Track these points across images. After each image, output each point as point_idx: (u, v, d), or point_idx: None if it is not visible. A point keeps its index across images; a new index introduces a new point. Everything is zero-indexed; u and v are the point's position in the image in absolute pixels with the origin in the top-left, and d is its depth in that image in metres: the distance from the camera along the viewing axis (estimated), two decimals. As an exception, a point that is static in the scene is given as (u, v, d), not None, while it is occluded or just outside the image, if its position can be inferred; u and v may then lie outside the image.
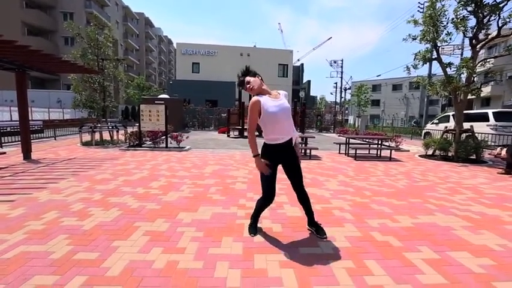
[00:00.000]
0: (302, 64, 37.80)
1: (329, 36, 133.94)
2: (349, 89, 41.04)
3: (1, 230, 2.67)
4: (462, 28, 7.84)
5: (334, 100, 43.03)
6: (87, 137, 10.05)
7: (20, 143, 9.02)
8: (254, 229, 2.71)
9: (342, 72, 37.59)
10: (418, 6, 21.58)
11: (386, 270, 2.10)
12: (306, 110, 15.69)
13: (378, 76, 31.67)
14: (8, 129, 10.37)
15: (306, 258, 2.25)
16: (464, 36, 8.24)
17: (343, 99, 38.17)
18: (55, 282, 1.87)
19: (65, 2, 31.42)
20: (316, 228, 2.68)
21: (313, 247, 2.45)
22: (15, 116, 16.27)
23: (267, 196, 2.51)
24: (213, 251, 2.32)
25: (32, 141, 7.10)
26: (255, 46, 32.28)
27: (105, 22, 11.27)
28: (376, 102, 42.75)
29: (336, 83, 38.95)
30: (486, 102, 25.21)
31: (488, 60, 8.48)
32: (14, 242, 2.42)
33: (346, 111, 41.98)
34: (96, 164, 6.12)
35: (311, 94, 39.97)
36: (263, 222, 2.99)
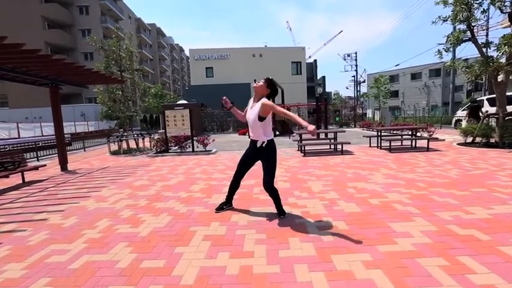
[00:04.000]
0: (315, 60, 37.12)
1: (340, 30, 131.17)
2: (363, 82, 39.93)
3: (61, 239, 2.65)
4: (499, 3, 7.27)
5: (348, 95, 42.03)
6: (114, 147, 10.27)
7: (52, 156, 9.46)
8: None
9: (356, 66, 36.67)
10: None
11: (489, 267, 1.84)
12: (327, 106, 15.27)
13: (396, 66, 30.52)
14: (40, 143, 10.82)
15: (389, 256, 2.04)
16: (501, 12, 7.64)
17: (358, 93, 37.14)
18: (131, 292, 1.77)
19: (82, 19, 32.79)
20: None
21: (391, 244, 2.23)
22: (45, 131, 17.05)
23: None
24: (284, 254, 2.15)
25: (66, 153, 7.29)
26: (266, 46, 32.14)
27: (124, 33, 11.50)
28: (394, 93, 41.18)
29: (353, 76, 37.88)
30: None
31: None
32: (76, 252, 2.37)
33: (362, 105, 40.87)
34: (130, 172, 6.16)
35: (326, 90, 39.22)
36: (324, 221, 2.80)
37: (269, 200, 3.53)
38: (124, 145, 10.03)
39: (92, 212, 3.45)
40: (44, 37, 29.64)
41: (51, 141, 10.35)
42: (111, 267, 2.09)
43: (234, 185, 3.24)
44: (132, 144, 10.61)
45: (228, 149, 9.50)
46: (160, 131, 13.87)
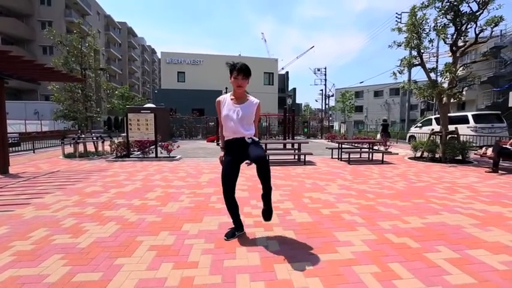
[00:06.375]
0: (287, 72, 38.44)
1: (312, 45, 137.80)
2: (332, 96, 42.12)
3: (-17, 252, 2.36)
4: (443, 35, 8.24)
5: (318, 107, 43.93)
6: (69, 149, 9.52)
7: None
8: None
9: (325, 80, 38.59)
10: (396, 17, 22.72)
11: (413, 273, 2.02)
12: (294, 117, 15.82)
13: (361, 83, 32.74)
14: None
15: (329, 265, 2.14)
16: (445, 43, 8.65)
17: (327, 106, 39.04)
18: (55, 309, 1.63)
19: (43, 10, 30.36)
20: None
21: (333, 253, 2.34)
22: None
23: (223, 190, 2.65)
24: (229, 264, 2.15)
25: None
26: (239, 55, 32.54)
27: (89, 28, 10.87)
28: (359, 108, 44.09)
29: (321, 90, 39.79)
30: (462, 106, 26.65)
31: (468, 64, 8.94)
32: (0, 266, 2.13)
33: (330, 118, 43.06)
34: (83, 177, 5.74)
35: (296, 102, 40.63)
36: (274, 230, 2.86)
37: (224, 209, 3.51)
38: (81, 148, 9.34)
39: (28, 221, 3.14)
40: (-5, 25, 26.84)
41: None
42: (38, 283, 1.91)
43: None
44: (91, 147, 9.92)
45: (193, 156, 9.31)
46: (123, 134, 13.20)
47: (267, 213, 2.57)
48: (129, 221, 3.12)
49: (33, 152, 10.46)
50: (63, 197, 4.17)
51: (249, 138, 2.49)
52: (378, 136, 16.17)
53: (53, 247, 2.46)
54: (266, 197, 2.52)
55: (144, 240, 2.59)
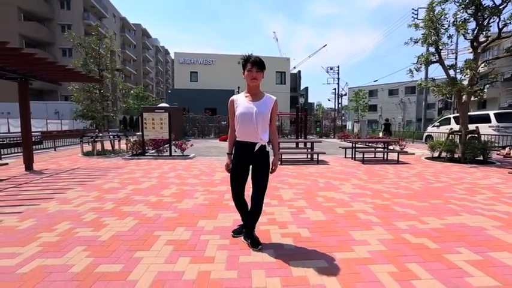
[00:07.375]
0: (299, 71, 38.12)
1: (324, 44, 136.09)
2: (345, 95, 41.46)
3: (13, 242, 2.51)
4: (463, 31, 7.93)
5: (331, 107, 43.34)
6: (88, 147, 9.87)
7: (18, 154, 8.90)
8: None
9: (338, 79, 37.99)
10: (412, 13, 22.05)
11: (432, 274, 1.98)
12: (307, 116, 15.72)
13: (375, 81, 32.02)
14: (6, 141, 10.16)
15: (345, 263, 2.12)
16: (465, 38, 8.33)
17: (340, 105, 38.45)
18: (81, 297, 1.71)
19: (63, 14, 31.60)
20: (251, 240, 2.43)
21: (348, 252, 2.32)
22: (13, 128, 16.07)
23: (232, 191, 2.55)
24: (244, 259, 2.18)
25: (33, 151, 6.90)
26: (252, 54, 32.56)
27: (106, 30, 11.22)
28: (373, 107, 43.12)
29: (334, 89, 39.19)
30: (482, 105, 25.54)
31: (490, 61, 8.57)
32: (28, 255, 2.25)
33: (343, 117, 42.37)
34: (101, 174, 5.95)
35: (308, 101, 40.29)
36: (289, 228, 2.86)
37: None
38: (98, 146, 9.67)
39: (52, 214, 3.29)
40: (19, 29, 28.16)
41: (17, 138, 9.76)
42: (64, 272, 2.00)
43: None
44: (108, 146, 10.25)
45: (206, 155, 9.43)
46: (138, 133, 13.54)
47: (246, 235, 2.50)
48: (147, 216, 3.21)
49: (54, 150, 10.92)
50: (83, 192, 4.34)
51: (262, 146, 2.30)
52: (380, 134, 16.70)
53: (76, 239, 2.57)
54: (251, 219, 2.47)
55: (162, 235, 2.66)
